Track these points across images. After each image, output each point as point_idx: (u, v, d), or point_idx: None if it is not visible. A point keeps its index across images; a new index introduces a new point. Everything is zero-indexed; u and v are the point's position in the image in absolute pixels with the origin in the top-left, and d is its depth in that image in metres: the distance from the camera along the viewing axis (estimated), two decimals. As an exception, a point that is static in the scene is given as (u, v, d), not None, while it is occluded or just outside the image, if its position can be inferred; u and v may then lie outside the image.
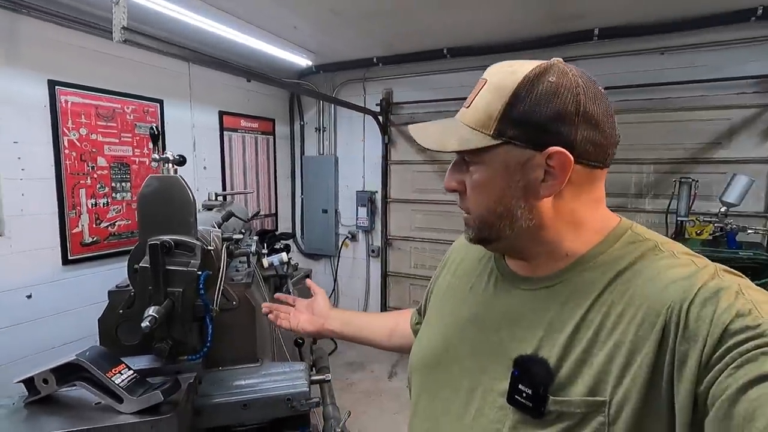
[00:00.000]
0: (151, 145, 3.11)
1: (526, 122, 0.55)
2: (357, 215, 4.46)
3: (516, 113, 0.55)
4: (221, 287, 1.38)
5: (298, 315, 1.07)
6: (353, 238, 4.59)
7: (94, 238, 2.86)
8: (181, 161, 1.40)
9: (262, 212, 4.43)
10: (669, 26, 2.99)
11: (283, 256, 2.08)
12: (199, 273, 1.27)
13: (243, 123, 4.13)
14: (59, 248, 2.67)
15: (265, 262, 2.03)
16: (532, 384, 0.54)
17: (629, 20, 3.01)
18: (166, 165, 1.35)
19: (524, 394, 0.54)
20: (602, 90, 0.58)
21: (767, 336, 0.42)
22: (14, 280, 2.47)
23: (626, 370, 0.49)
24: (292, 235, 4.76)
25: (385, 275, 4.45)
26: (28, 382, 1.02)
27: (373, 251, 4.49)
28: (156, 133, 1.28)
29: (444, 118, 0.66)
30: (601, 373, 0.50)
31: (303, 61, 3.87)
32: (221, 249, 1.47)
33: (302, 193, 4.81)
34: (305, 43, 3.55)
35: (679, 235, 2.71)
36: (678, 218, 2.72)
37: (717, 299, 0.46)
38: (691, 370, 0.45)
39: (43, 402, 1.04)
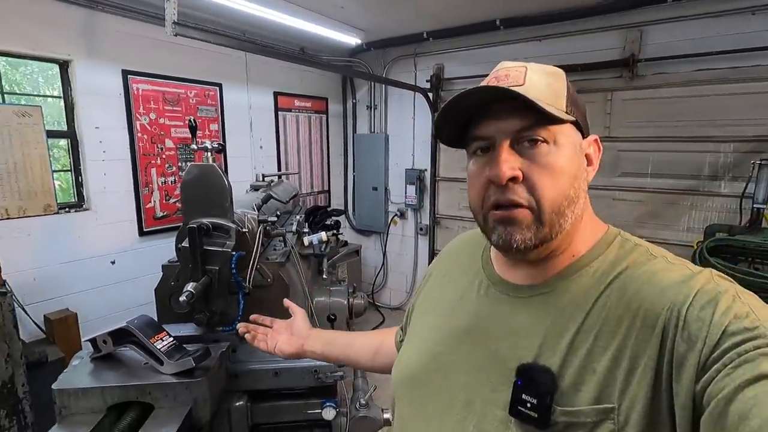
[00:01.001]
0: (214, 128, 3.36)
1: (579, 107, 0.58)
2: (406, 193, 4.49)
3: (572, 97, 0.57)
4: (255, 266, 1.51)
5: (276, 336, 1.00)
6: (402, 215, 4.64)
7: (165, 213, 3.20)
8: (219, 149, 1.53)
9: (315, 189, 4.62)
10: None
11: (322, 235, 2.17)
12: (233, 253, 1.40)
13: (297, 103, 4.27)
14: (136, 221, 3.03)
15: (305, 240, 2.14)
16: (537, 393, 0.51)
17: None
18: (206, 153, 1.48)
19: (528, 405, 0.51)
20: None
21: (765, 337, 0.42)
22: (101, 247, 2.85)
23: (631, 374, 0.48)
24: (344, 212, 4.91)
25: (432, 253, 4.47)
26: (93, 342, 1.21)
27: (421, 229, 4.51)
28: (194, 125, 1.40)
29: None
30: (606, 379, 0.50)
31: (353, 40, 3.88)
32: (257, 230, 1.60)
33: (354, 171, 4.92)
34: (354, 22, 3.54)
35: (755, 223, 2.42)
36: (755, 205, 2.42)
37: (716, 302, 0.46)
38: (690, 370, 0.45)
39: (105, 358, 1.24)
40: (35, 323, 2.47)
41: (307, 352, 0.97)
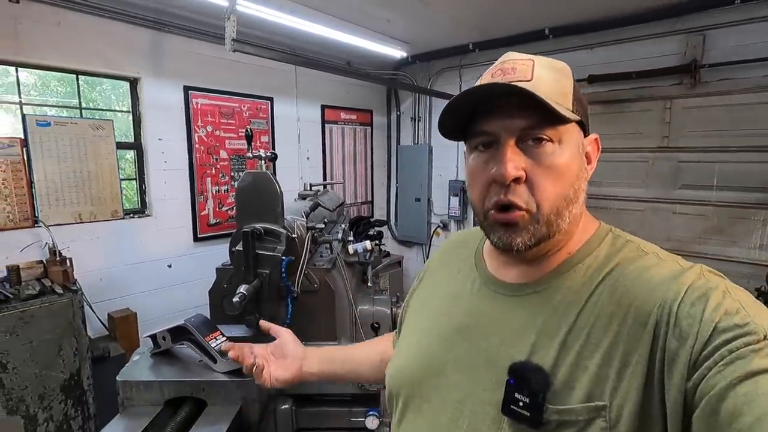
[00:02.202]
0: (264, 139, 3.52)
1: (582, 105, 0.57)
2: (449, 204, 4.45)
3: (577, 95, 0.57)
4: (303, 271, 1.54)
5: (267, 366, 0.89)
6: (445, 227, 4.60)
7: (218, 220, 3.36)
8: (273, 158, 1.59)
9: (359, 200, 4.69)
10: None
11: (367, 244, 2.19)
12: (283, 258, 1.44)
13: (343, 115, 4.38)
14: (191, 227, 3.20)
15: (351, 248, 2.17)
16: (530, 392, 0.51)
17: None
18: (260, 162, 1.54)
19: (521, 403, 0.51)
20: None
21: (755, 334, 0.42)
22: (159, 252, 3.04)
23: (623, 372, 0.48)
24: (386, 222, 4.94)
25: (476, 266, 4.38)
26: (153, 338, 1.28)
27: (464, 241, 4.44)
28: (250, 134, 1.46)
29: None
30: (598, 376, 0.49)
31: (398, 53, 3.94)
32: (305, 237, 1.63)
33: (397, 182, 4.95)
34: (399, 35, 3.61)
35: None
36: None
37: (706, 298, 0.46)
38: (681, 367, 0.44)
39: (163, 354, 1.30)
40: (100, 320, 2.66)
41: (305, 374, 0.90)
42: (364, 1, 2.80)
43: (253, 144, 1.52)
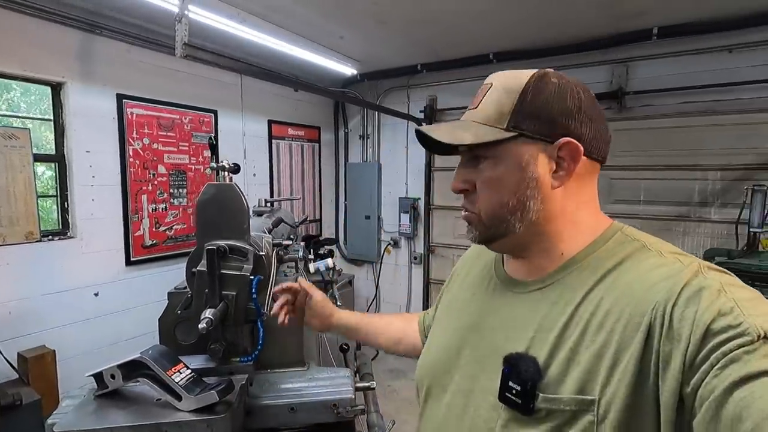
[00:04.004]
0: (208, 154, 3.29)
1: (537, 116, 0.59)
2: (400, 221, 4.46)
3: (528, 108, 0.60)
4: (272, 291, 1.42)
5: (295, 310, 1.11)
6: (395, 244, 4.59)
7: (154, 241, 3.05)
8: (236, 169, 1.46)
9: (307, 218, 4.54)
10: (737, 22, 2.77)
11: (329, 261, 2.11)
12: (252, 277, 1.31)
13: (290, 131, 4.26)
14: (123, 250, 2.87)
15: (312, 267, 2.06)
16: (520, 380, 0.55)
17: (692, 17, 2.82)
18: (222, 173, 1.41)
19: (514, 391, 0.55)
20: (593, 93, 0.64)
21: (749, 334, 0.42)
22: (84, 278, 2.67)
23: (614, 369, 0.50)
24: (335, 241, 4.83)
25: (427, 282, 4.41)
26: (98, 377, 1.09)
27: (415, 258, 4.46)
28: (213, 143, 1.34)
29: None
30: (589, 372, 0.51)
31: (348, 70, 3.94)
32: (272, 254, 1.52)
33: (346, 199, 4.88)
34: (351, 52, 3.61)
35: (751, 247, 2.49)
36: (751, 229, 2.49)
37: (699, 298, 0.47)
38: (675, 370, 0.45)
39: (110, 395, 1.11)
40: (8, 362, 2.25)
41: (333, 326, 1.08)
42: (321, 16, 2.77)
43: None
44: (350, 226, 4.85)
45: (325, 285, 2.10)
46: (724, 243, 2.89)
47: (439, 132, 0.64)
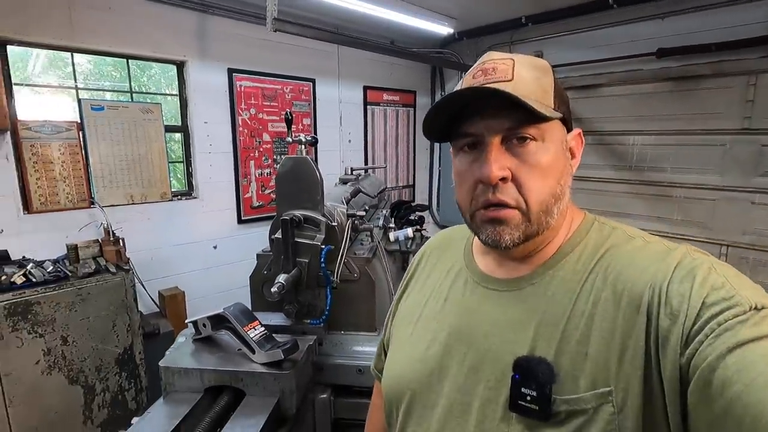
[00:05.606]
0: (307, 122, 3.49)
1: (565, 102, 0.58)
2: (494, 190, 4.25)
3: (558, 91, 0.57)
4: (343, 260, 1.49)
5: None
6: (489, 213, 4.42)
7: (260, 203, 3.39)
8: (313, 142, 1.53)
9: (400, 184, 4.59)
10: None
11: (409, 231, 2.12)
12: (323, 247, 1.39)
13: (385, 96, 4.27)
14: (235, 210, 3.25)
15: (392, 236, 2.10)
16: (537, 385, 0.51)
17: None
18: (300, 146, 1.49)
19: (528, 398, 0.51)
20: None
21: (741, 305, 0.43)
22: (205, 233, 3.12)
23: (623, 355, 0.49)
24: (428, 207, 4.82)
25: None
26: (194, 324, 1.28)
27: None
28: (290, 117, 1.41)
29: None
30: (600, 363, 0.50)
31: (444, 29, 3.74)
32: (345, 225, 1.58)
33: (440, 165, 4.80)
34: (447, 10, 3.41)
35: None
36: None
37: (693, 275, 0.47)
38: (674, 344, 0.45)
39: (205, 341, 1.30)
40: (151, 298, 2.77)
41: None
42: (411, -26, 2.65)
43: (294, 127, 1.47)
44: (443, 193, 4.79)
45: (402, 255, 2.13)
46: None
47: (519, 99, 0.52)
